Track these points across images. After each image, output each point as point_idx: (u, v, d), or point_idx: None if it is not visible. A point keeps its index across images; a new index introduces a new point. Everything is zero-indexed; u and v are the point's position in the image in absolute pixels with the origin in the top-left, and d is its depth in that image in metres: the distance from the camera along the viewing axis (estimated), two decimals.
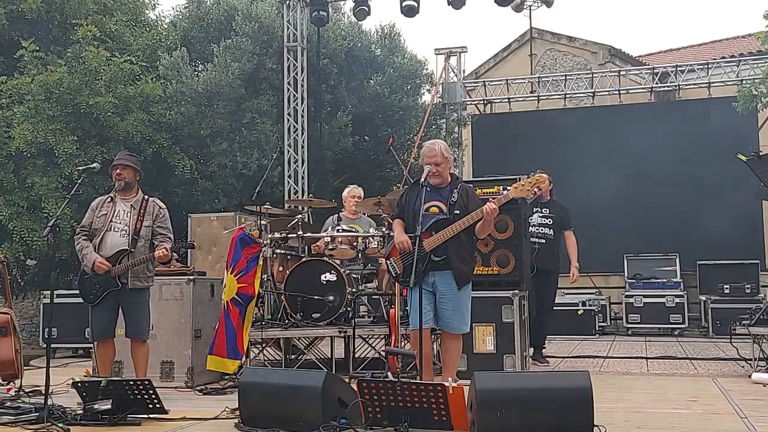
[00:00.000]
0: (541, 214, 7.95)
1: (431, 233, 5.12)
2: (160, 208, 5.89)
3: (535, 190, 6.73)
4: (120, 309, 5.78)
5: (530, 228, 7.56)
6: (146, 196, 5.88)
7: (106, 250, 5.67)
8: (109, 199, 5.82)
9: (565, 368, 7.61)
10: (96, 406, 4.69)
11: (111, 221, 5.70)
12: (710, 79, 13.47)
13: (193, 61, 12.90)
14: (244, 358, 6.45)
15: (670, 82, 13.88)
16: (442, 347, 5.46)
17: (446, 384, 4.15)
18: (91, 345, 6.05)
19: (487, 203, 5.07)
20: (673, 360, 8.36)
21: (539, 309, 7.72)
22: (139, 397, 4.75)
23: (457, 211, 5.16)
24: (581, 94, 14.54)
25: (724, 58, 14.55)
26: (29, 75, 11.36)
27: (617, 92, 14.01)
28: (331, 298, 6.84)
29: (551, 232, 7.91)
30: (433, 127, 14.77)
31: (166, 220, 5.86)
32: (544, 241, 7.86)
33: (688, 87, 13.92)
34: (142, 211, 5.75)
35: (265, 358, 7.50)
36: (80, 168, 5.88)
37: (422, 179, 5.19)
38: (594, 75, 14.38)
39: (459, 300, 5.22)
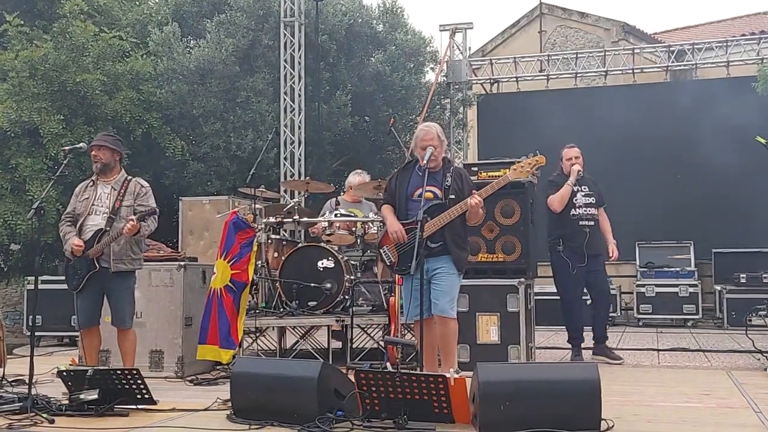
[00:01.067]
0: (584, 193, 7.18)
1: (427, 219, 5.02)
2: (142, 186, 5.79)
3: (572, 167, 6.93)
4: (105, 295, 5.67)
5: (576, 210, 7.04)
6: (129, 177, 5.79)
7: (86, 234, 5.60)
8: (91, 183, 5.77)
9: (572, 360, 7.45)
10: (82, 396, 4.67)
11: (92, 204, 5.66)
12: (729, 57, 13.10)
13: (185, 37, 12.73)
14: (237, 348, 6.36)
15: (687, 61, 13.55)
16: (438, 335, 5.33)
17: (447, 375, 4.14)
18: (77, 333, 5.98)
19: (471, 196, 5.03)
20: (686, 352, 8.24)
21: (599, 297, 7.26)
22: (127, 387, 4.73)
23: (452, 196, 5.12)
24: (593, 73, 14.19)
25: (744, 35, 14.27)
26: (13, 51, 11.20)
27: (631, 71, 13.63)
28: (329, 285, 6.78)
29: (596, 211, 7.21)
30: (437, 107, 14.48)
31: (148, 197, 5.75)
32: (593, 222, 7.14)
33: (705, 66, 13.58)
34: (123, 191, 5.66)
35: (259, 348, 7.44)
36: (66, 148, 5.86)
37: (423, 162, 5.07)
38: (606, 53, 14.03)
39: (453, 283, 5.16)
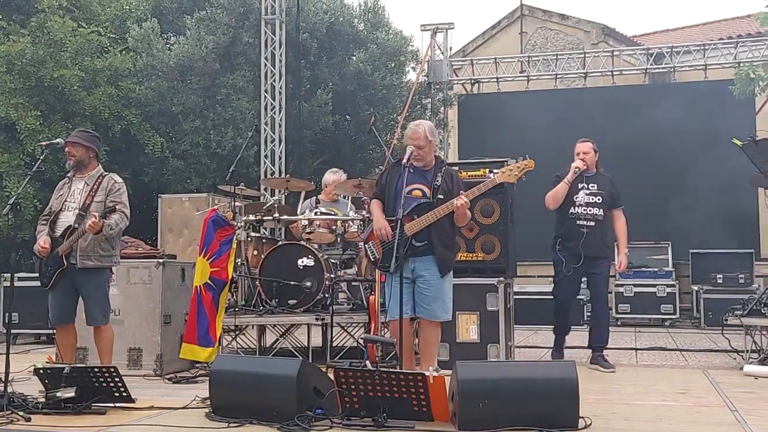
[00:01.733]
0: (588, 191, 6.71)
1: (413, 217, 5.02)
2: (115, 182, 5.67)
3: (578, 165, 6.64)
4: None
5: (575, 209, 6.66)
6: (104, 173, 5.71)
7: (58, 230, 5.51)
8: (67, 179, 5.70)
9: (550, 358, 7.40)
10: (59, 394, 4.60)
11: (65, 201, 5.57)
12: (707, 61, 13.23)
13: (165, 33, 12.76)
14: (217, 345, 6.28)
15: (666, 64, 13.66)
16: (420, 336, 5.33)
17: (426, 373, 4.09)
18: (54, 331, 5.88)
19: (457, 197, 4.98)
20: (663, 351, 8.29)
21: (593, 302, 7.06)
22: (104, 384, 4.67)
23: (441, 196, 5.07)
24: (573, 75, 14.31)
25: (721, 39, 14.42)
26: None
27: (610, 73, 13.74)
28: (308, 284, 6.73)
29: (601, 211, 6.67)
30: (418, 107, 14.49)
31: (121, 194, 5.63)
32: (593, 223, 6.65)
33: (683, 69, 13.71)
34: (95, 186, 5.57)
35: (239, 346, 7.38)
36: (43, 144, 5.85)
37: (404, 160, 5.05)
38: (586, 55, 14.14)
39: (440, 287, 5.10)
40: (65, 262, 5.41)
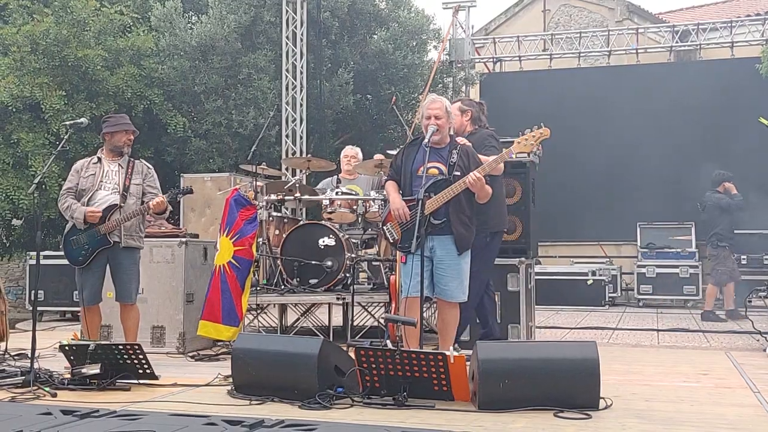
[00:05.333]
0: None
1: (430, 195, 4.93)
2: (148, 167, 5.83)
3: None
4: (107, 271, 5.64)
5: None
6: (131, 158, 5.79)
7: (96, 207, 5.54)
8: (96, 159, 5.73)
9: (572, 339, 7.47)
10: (84, 371, 4.64)
11: (100, 180, 5.61)
12: (733, 38, 13.05)
13: (187, 13, 12.68)
14: (241, 324, 6.27)
15: (691, 41, 13.49)
16: (438, 317, 5.29)
17: (447, 353, 4.08)
18: (79, 308, 5.94)
19: (471, 173, 4.88)
20: (685, 333, 8.24)
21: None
22: (129, 362, 4.70)
23: (457, 173, 4.96)
24: (596, 53, 14.17)
25: (749, 16, 14.15)
26: (15, 25, 11.21)
27: (635, 51, 13.60)
28: (329, 263, 6.70)
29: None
30: (440, 85, 14.39)
31: (154, 179, 5.81)
32: None
33: (709, 47, 13.51)
34: (130, 170, 5.67)
35: (261, 325, 7.42)
36: (68, 123, 5.88)
37: (426, 140, 4.95)
38: (610, 33, 13.99)
39: (458, 267, 5.03)
40: (110, 240, 5.49)
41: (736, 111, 12.41)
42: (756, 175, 12.19)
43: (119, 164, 5.67)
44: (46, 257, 9.04)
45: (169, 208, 5.69)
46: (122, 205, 5.53)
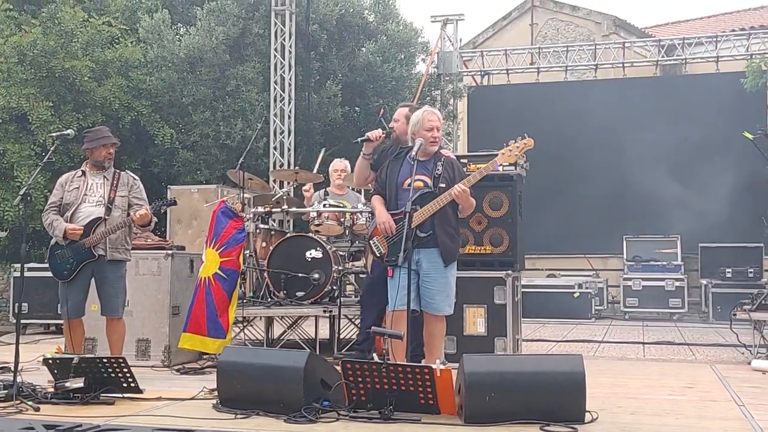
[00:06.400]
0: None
1: (416, 207, 4.92)
2: (134, 179, 5.83)
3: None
4: (92, 285, 5.62)
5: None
6: (117, 170, 5.79)
7: (79, 221, 5.53)
8: (80, 173, 5.73)
9: (558, 352, 7.54)
10: (67, 384, 4.62)
11: (84, 194, 5.60)
12: (718, 53, 13.16)
13: (175, 24, 12.70)
14: (228, 336, 6.24)
15: (677, 56, 13.60)
16: (425, 330, 5.25)
17: (434, 366, 4.07)
18: (61, 322, 5.94)
19: (456, 185, 4.88)
20: (671, 345, 8.29)
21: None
22: (113, 375, 4.69)
23: (443, 185, 4.98)
24: (583, 67, 14.27)
25: (733, 31, 14.28)
26: (2, 36, 11.09)
27: (621, 65, 13.69)
28: (317, 276, 6.70)
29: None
30: (428, 98, 14.41)
31: (141, 190, 5.80)
32: None
33: (695, 61, 13.62)
34: (115, 182, 5.67)
35: (247, 338, 7.44)
36: (54, 134, 5.94)
37: (414, 153, 4.96)
38: (597, 47, 14.08)
39: (445, 279, 5.05)
40: (95, 253, 5.46)
41: (721, 125, 12.55)
42: (740, 189, 12.33)
43: (104, 176, 5.66)
44: (30, 269, 8.96)
45: (154, 219, 5.66)
46: (107, 217, 5.51)
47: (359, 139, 5.68)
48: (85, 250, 5.45)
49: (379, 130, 5.64)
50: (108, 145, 5.67)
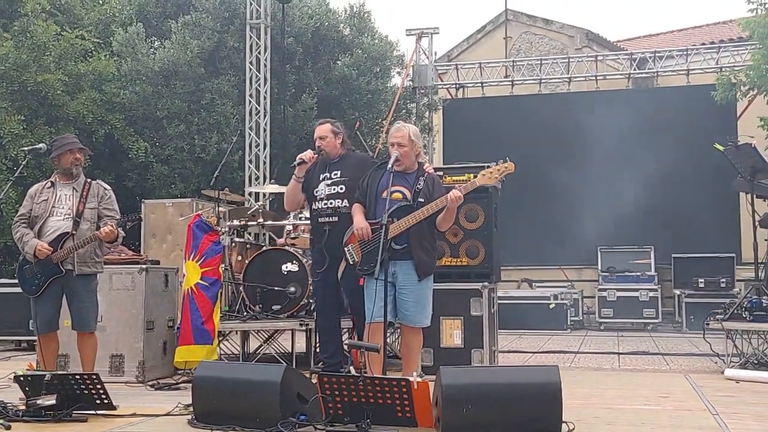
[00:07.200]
0: (329, 181, 5.63)
1: (393, 220, 4.91)
2: (105, 189, 5.68)
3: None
4: (64, 299, 5.52)
5: (315, 203, 5.68)
6: (88, 179, 5.67)
7: (47, 236, 5.42)
8: (49, 184, 5.61)
9: (534, 363, 7.52)
10: (39, 402, 4.55)
11: (53, 206, 5.48)
12: (689, 66, 13.37)
13: (150, 38, 12.66)
14: (215, 343, 6.22)
15: (648, 69, 13.83)
16: (401, 342, 5.29)
17: (411, 379, 4.07)
18: (35, 337, 5.78)
19: (452, 191, 4.88)
20: (646, 356, 8.32)
21: (357, 313, 5.68)
22: (86, 392, 4.62)
23: (421, 199, 4.99)
24: (557, 80, 14.41)
25: (703, 44, 14.51)
26: None
27: (594, 78, 13.85)
28: (293, 289, 6.70)
29: (345, 202, 5.53)
30: (403, 111, 14.52)
31: (112, 201, 5.66)
32: (336, 218, 5.57)
33: (666, 74, 13.85)
34: (85, 193, 5.54)
35: (222, 352, 7.31)
36: (26, 149, 5.84)
37: (389, 165, 4.98)
38: (570, 60, 14.22)
39: (420, 292, 5.05)
40: (62, 268, 5.37)
41: (692, 137, 12.68)
42: (712, 201, 12.48)
43: (73, 188, 5.55)
44: (1, 285, 8.90)
45: (121, 234, 5.54)
46: (74, 232, 5.40)
47: (295, 163, 5.65)
48: (53, 266, 5.35)
49: (311, 151, 5.62)
50: (74, 150, 5.56)
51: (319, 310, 6.02)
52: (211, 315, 6.16)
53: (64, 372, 5.41)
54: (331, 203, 5.61)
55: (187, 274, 6.30)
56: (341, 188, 5.58)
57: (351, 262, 5.12)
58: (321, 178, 5.63)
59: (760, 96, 11.45)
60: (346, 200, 5.51)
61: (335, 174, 5.62)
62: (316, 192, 5.65)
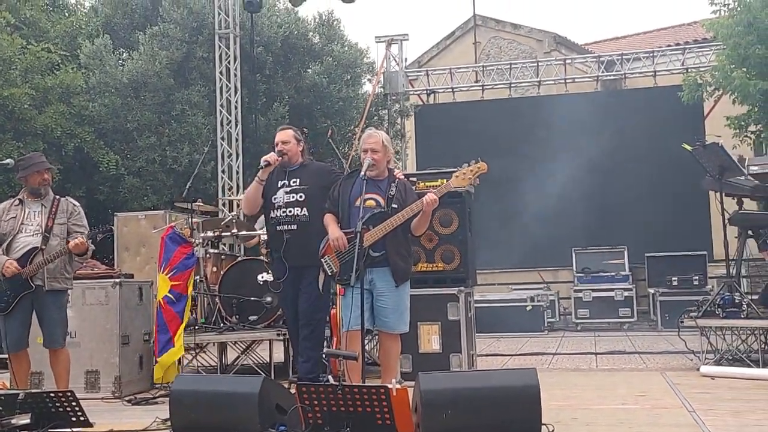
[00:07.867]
0: (288, 188, 5.57)
1: (368, 227, 4.90)
2: (74, 205, 5.66)
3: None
4: (34, 316, 5.46)
5: (274, 211, 5.60)
6: (57, 196, 5.64)
7: (16, 252, 5.39)
8: (18, 201, 5.58)
9: (512, 366, 7.53)
10: (14, 421, 4.50)
11: (21, 223, 5.46)
12: (656, 67, 13.52)
13: (117, 50, 12.62)
14: (180, 345, 6.21)
15: (616, 71, 13.92)
16: (380, 349, 5.28)
17: (389, 386, 4.03)
18: (6, 356, 5.69)
19: (427, 194, 4.87)
20: (622, 355, 8.37)
21: (307, 323, 5.55)
22: (61, 409, 4.56)
23: (395, 206, 4.98)
24: (527, 83, 14.47)
25: (669, 46, 14.68)
26: None
27: (563, 81, 13.95)
28: (269, 299, 6.67)
29: (304, 211, 5.49)
30: (375, 118, 14.53)
31: (81, 217, 5.64)
32: (295, 226, 5.49)
33: (634, 75, 13.96)
34: (54, 209, 5.51)
35: (200, 365, 7.26)
36: None
37: (362, 172, 4.98)
38: (539, 63, 14.30)
39: (397, 298, 5.05)
40: (32, 284, 5.32)
41: (661, 137, 12.80)
42: (682, 200, 12.59)
43: (42, 204, 5.52)
44: None
45: (91, 247, 5.50)
46: (44, 247, 5.36)
47: (261, 165, 5.55)
48: (22, 282, 5.30)
49: (274, 154, 5.57)
50: (42, 171, 5.53)
51: (288, 320, 5.90)
52: (177, 328, 6.14)
53: (38, 390, 5.35)
54: (290, 211, 5.53)
55: (159, 286, 6.30)
56: (301, 196, 5.52)
57: (329, 273, 5.09)
58: (279, 185, 5.57)
59: (726, 96, 11.60)
60: (305, 208, 5.47)
61: (294, 182, 5.56)
62: (275, 199, 5.57)
